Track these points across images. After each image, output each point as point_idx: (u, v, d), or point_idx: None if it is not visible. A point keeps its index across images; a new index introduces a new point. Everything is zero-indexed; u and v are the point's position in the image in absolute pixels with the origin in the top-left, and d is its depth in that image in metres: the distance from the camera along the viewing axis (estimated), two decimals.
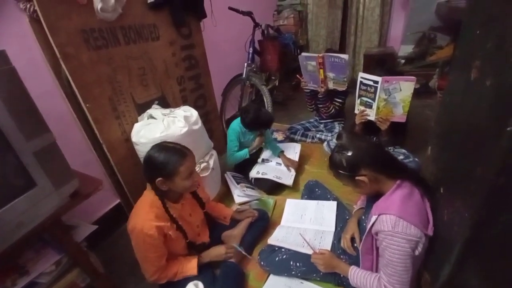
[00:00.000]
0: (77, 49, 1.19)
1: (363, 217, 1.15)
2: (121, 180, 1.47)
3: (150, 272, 1.07)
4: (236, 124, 1.86)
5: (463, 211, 0.69)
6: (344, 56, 1.81)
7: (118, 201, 1.63)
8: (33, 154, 0.79)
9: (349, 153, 0.93)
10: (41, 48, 1.17)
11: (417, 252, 0.84)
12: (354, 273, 0.99)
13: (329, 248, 1.18)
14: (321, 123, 2.38)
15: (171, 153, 1.02)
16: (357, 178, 0.93)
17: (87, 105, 1.26)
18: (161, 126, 1.34)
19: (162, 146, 1.05)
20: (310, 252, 1.12)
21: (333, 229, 1.32)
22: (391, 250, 0.84)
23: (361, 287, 0.96)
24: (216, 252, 1.19)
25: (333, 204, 1.45)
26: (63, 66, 1.16)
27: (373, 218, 0.90)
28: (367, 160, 0.93)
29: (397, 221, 0.83)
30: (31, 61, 1.17)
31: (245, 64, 2.30)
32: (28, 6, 1.09)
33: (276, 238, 1.31)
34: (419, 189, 0.93)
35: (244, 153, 1.85)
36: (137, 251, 1.05)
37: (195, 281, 1.07)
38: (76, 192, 0.94)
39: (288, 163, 1.89)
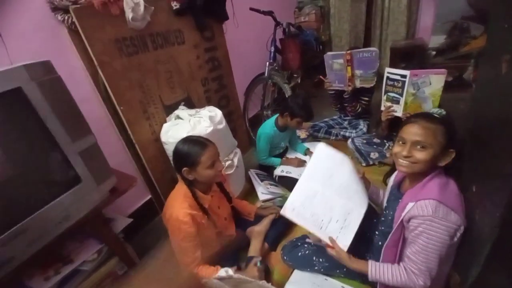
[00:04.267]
0: (111, 57, 1.29)
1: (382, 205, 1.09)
2: (152, 177, 1.57)
3: (186, 262, 1.12)
4: (269, 127, 1.85)
5: (494, 211, 0.67)
6: (374, 49, 1.77)
7: (149, 196, 1.74)
8: (79, 154, 0.89)
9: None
10: (80, 57, 1.27)
11: (454, 240, 0.80)
12: (375, 268, 0.93)
13: (348, 243, 0.99)
14: (345, 120, 2.34)
15: (192, 144, 1.11)
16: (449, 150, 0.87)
17: (121, 108, 1.36)
18: (187, 126, 1.41)
19: (186, 139, 1.15)
20: (326, 239, 1.01)
21: (365, 208, 1.03)
22: (428, 236, 0.80)
23: (384, 280, 0.90)
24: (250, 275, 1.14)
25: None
26: (100, 73, 1.27)
27: (409, 205, 0.85)
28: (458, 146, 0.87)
29: (438, 206, 0.79)
30: (71, 69, 1.27)
31: (267, 63, 2.31)
32: (66, 17, 1.17)
33: (292, 205, 1.06)
34: (454, 181, 0.89)
35: (277, 161, 1.90)
36: (173, 240, 1.13)
37: (226, 268, 1.13)
38: (114, 188, 1.04)
39: None
